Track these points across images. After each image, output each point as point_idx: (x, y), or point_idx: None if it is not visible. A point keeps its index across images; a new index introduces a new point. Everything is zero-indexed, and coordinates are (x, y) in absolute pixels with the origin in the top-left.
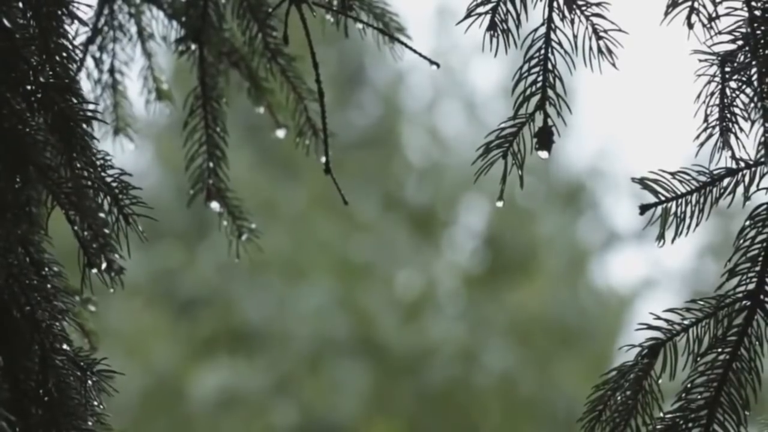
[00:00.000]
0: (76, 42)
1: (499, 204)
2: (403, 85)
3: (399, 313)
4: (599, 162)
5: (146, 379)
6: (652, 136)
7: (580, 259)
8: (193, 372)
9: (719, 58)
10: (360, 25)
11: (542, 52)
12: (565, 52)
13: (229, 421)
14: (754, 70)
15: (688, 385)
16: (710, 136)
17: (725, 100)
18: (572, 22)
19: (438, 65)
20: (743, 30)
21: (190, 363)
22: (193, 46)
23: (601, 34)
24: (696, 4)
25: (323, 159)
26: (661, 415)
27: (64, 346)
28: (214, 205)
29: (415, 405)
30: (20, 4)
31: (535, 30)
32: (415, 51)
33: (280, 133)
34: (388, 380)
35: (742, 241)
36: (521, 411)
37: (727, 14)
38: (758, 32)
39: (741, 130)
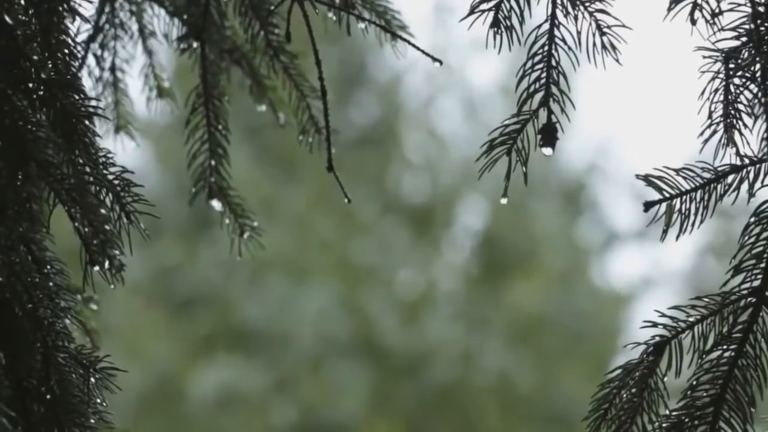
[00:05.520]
0: (78, 40)
1: (504, 201)
2: (402, 84)
3: (399, 314)
4: (599, 161)
5: (145, 378)
6: (654, 134)
7: (579, 258)
8: (192, 371)
9: (723, 55)
10: (362, 24)
11: (545, 48)
12: (569, 48)
13: (229, 421)
14: (758, 66)
15: (694, 383)
16: (714, 132)
17: (729, 97)
18: (576, 18)
19: (440, 62)
20: (747, 26)
21: (190, 362)
22: (194, 44)
23: (605, 29)
24: (699, 0)
25: (326, 156)
26: (667, 412)
27: (67, 344)
28: (216, 204)
29: (414, 405)
30: (22, 1)
31: (539, 26)
32: (418, 48)
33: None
34: (387, 381)
35: (746, 237)
36: (520, 410)
37: (731, 10)
38: (762, 28)
39: (745, 126)
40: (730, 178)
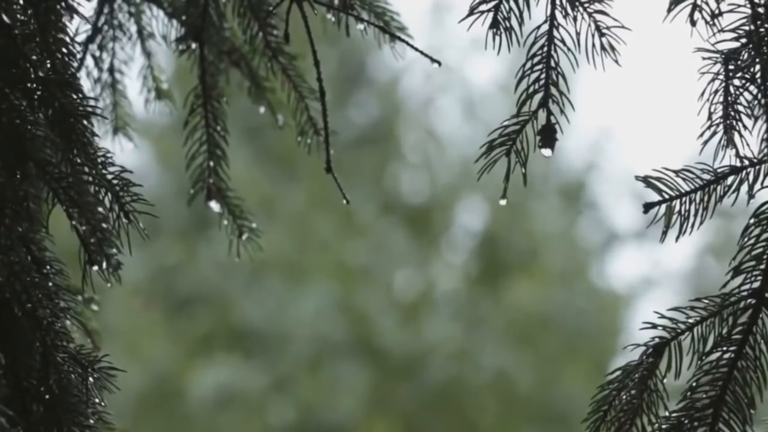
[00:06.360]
0: (76, 41)
1: (503, 202)
2: (401, 84)
3: (397, 315)
4: (599, 161)
5: (144, 378)
6: (654, 135)
7: (579, 258)
8: (191, 371)
9: (723, 56)
10: (361, 25)
11: (545, 49)
12: (568, 49)
13: (228, 420)
14: (757, 67)
15: (693, 384)
16: (714, 134)
17: (729, 98)
18: (575, 19)
19: (439, 63)
20: (746, 27)
21: (189, 361)
22: (193, 45)
23: (604, 30)
24: (699, 1)
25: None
26: (667, 414)
27: (66, 344)
28: (214, 205)
29: (413, 406)
30: (20, 0)
31: (538, 27)
32: (416, 49)
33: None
34: (386, 381)
35: (746, 239)
36: (519, 410)
37: (730, 11)
38: (761, 30)
39: (745, 127)
40: (729, 180)
